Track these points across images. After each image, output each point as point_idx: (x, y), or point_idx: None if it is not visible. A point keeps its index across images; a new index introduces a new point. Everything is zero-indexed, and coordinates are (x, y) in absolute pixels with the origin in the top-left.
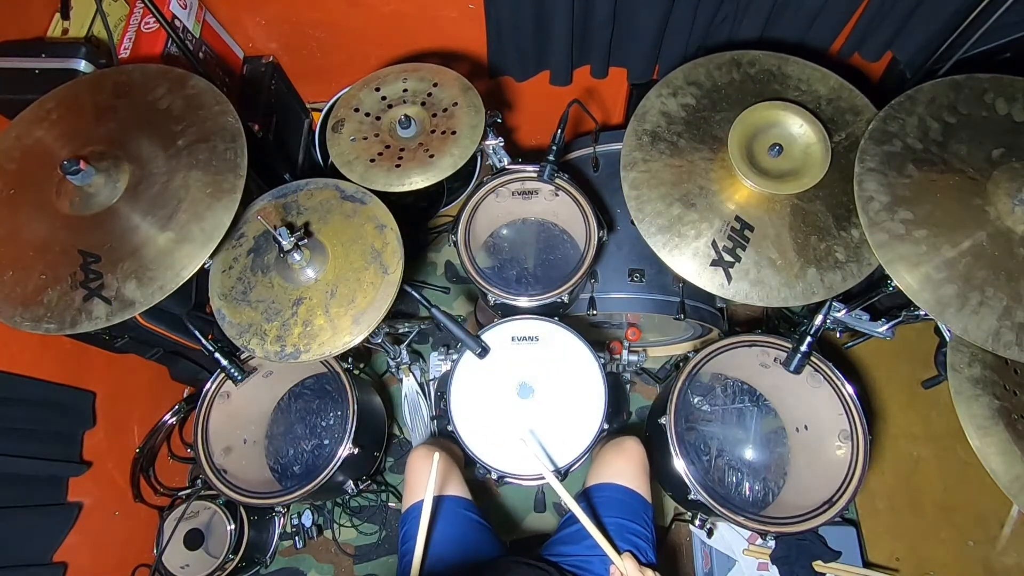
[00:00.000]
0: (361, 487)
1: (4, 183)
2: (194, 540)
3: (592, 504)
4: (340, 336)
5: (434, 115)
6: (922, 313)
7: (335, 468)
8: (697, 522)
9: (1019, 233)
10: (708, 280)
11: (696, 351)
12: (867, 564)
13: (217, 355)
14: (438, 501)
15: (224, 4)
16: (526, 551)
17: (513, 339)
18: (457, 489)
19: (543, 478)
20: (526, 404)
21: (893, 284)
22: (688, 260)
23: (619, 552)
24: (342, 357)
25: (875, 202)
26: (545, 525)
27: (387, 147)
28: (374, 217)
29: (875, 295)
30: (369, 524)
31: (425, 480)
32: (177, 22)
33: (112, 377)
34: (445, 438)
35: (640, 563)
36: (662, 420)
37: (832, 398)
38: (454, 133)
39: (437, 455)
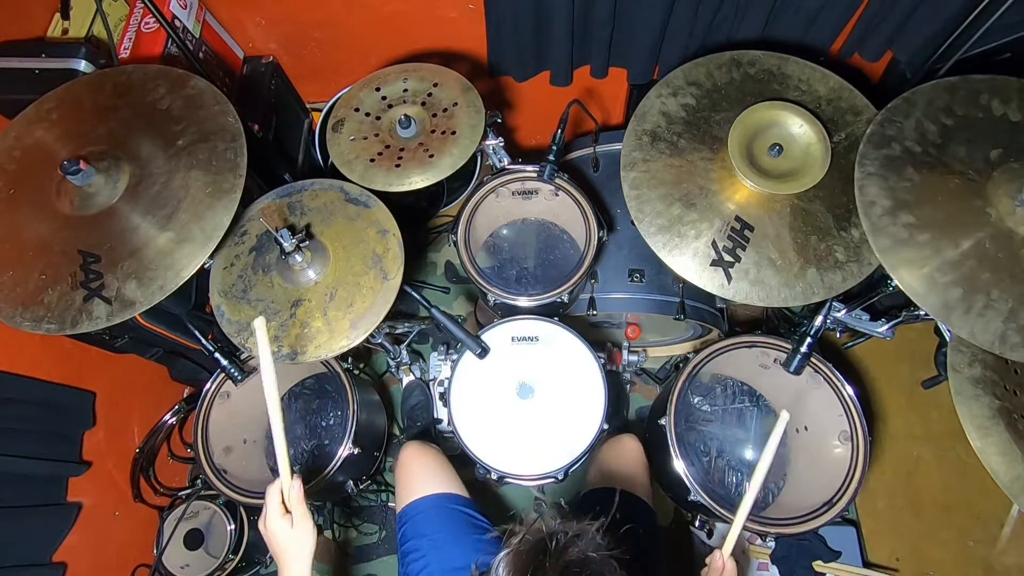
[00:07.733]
0: (361, 487)
1: (4, 183)
2: (194, 540)
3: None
4: (337, 339)
5: (434, 115)
6: (922, 313)
7: (335, 468)
8: (697, 522)
9: (1021, 234)
10: (708, 280)
11: (696, 351)
12: (867, 564)
13: (217, 355)
14: (431, 499)
15: (224, 4)
16: None
17: (513, 339)
18: (452, 486)
19: (543, 478)
20: (526, 404)
21: (893, 284)
22: (688, 260)
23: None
24: (342, 357)
25: (877, 207)
26: None
27: (387, 147)
28: (377, 222)
29: (875, 295)
30: (369, 524)
31: (419, 477)
32: (177, 22)
33: (112, 377)
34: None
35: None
36: (662, 421)
37: (832, 399)
38: (454, 133)
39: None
